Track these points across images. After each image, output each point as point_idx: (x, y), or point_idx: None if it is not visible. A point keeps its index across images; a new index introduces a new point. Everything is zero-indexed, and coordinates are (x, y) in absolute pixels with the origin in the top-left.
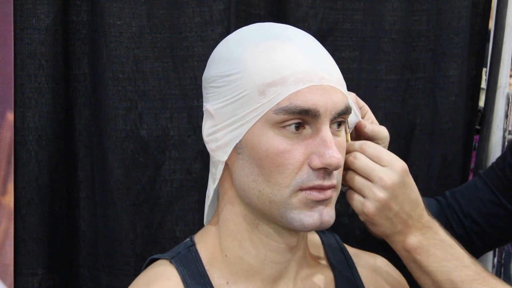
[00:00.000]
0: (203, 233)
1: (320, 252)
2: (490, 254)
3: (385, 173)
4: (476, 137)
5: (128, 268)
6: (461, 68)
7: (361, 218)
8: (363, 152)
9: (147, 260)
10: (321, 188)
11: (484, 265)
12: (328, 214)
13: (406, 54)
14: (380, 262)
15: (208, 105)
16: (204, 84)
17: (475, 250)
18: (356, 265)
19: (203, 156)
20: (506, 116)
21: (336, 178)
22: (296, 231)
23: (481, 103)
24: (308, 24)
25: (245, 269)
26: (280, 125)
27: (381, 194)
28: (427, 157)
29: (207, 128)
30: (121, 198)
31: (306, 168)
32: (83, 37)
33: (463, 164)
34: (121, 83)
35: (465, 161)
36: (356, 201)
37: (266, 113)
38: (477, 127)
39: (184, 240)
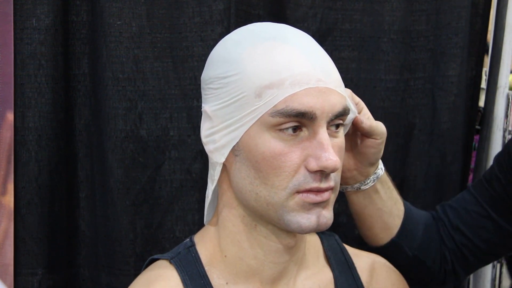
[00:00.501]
0: (203, 233)
1: (320, 253)
2: None
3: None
4: (476, 137)
5: (128, 268)
6: (460, 68)
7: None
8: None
9: (147, 260)
10: (318, 191)
11: None
12: (325, 217)
13: (405, 54)
14: (380, 262)
15: (206, 106)
16: (202, 85)
17: (468, 265)
18: (356, 265)
19: (203, 156)
20: (506, 116)
21: (334, 179)
22: (294, 232)
23: (481, 103)
24: (307, 24)
25: (244, 270)
26: (276, 127)
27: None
28: (426, 157)
29: (205, 129)
30: (121, 198)
31: (303, 171)
32: (83, 37)
33: (463, 164)
34: (121, 83)
35: (465, 161)
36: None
37: (262, 115)
38: (477, 127)
39: (183, 240)
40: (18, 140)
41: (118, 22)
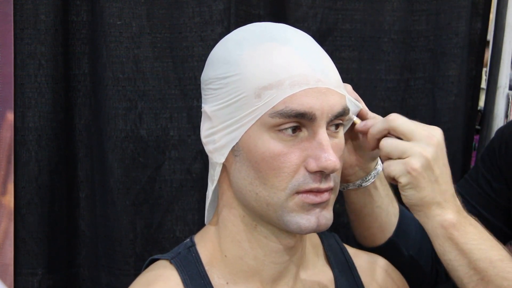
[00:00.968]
0: (203, 233)
1: (320, 253)
2: None
3: (429, 132)
4: (476, 137)
5: (128, 268)
6: (460, 68)
7: (404, 180)
8: (393, 122)
9: (147, 261)
10: (318, 191)
11: None
12: (325, 217)
13: (406, 54)
14: (380, 262)
15: (206, 107)
16: (202, 85)
17: None
18: (356, 265)
19: (203, 156)
20: (506, 116)
21: (334, 180)
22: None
23: (481, 103)
24: (307, 24)
25: (244, 270)
26: (276, 128)
27: (427, 149)
28: None
29: (205, 129)
30: (121, 198)
31: (302, 171)
32: (83, 37)
33: (463, 164)
34: (121, 83)
35: (465, 161)
36: (398, 163)
37: (262, 116)
38: (477, 127)
39: (183, 240)
40: (18, 140)
41: (118, 22)
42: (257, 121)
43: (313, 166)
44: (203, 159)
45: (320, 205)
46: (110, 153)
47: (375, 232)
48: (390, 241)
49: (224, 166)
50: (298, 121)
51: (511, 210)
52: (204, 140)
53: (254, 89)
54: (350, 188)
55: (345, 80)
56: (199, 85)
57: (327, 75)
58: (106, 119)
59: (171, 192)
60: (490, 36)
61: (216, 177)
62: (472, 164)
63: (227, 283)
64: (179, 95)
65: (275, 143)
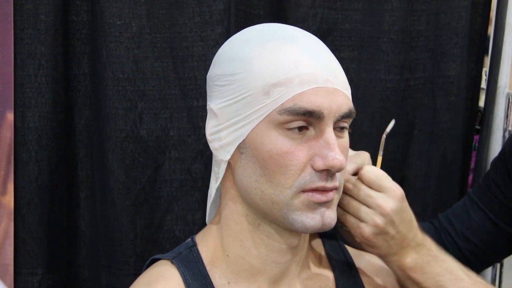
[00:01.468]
0: (205, 233)
1: (322, 253)
2: None
3: (383, 200)
4: (476, 137)
5: (128, 268)
6: (460, 68)
7: (357, 239)
8: (361, 177)
9: (148, 260)
10: (324, 190)
11: (479, 276)
12: (329, 216)
13: (405, 54)
14: (381, 262)
15: (212, 104)
16: (208, 83)
17: (471, 268)
18: (357, 265)
19: (203, 156)
20: (506, 116)
21: (339, 180)
22: (297, 232)
23: (481, 103)
24: (307, 24)
25: (246, 269)
26: (284, 126)
27: (378, 220)
28: (426, 157)
29: (211, 127)
30: (121, 198)
31: (309, 170)
32: (83, 37)
33: (463, 164)
34: (121, 83)
35: (465, 161)
36: (353, 223)
37: (270, 113)
38: (477, 127)
39: (184, 240)
40: (18, 140)
41: (118, 22)
42: (264, 118)
43: (319, 164)
44: (203, 159)
45: (325, 204)
46: (110, 153)
47: None
48: None
49: (229, 164)
50: (306, 120)
51: None
52: (209, 137)
53: (263, 86)
54: None
55: None
56: (199, 85)
57: (335, 76)
58: (106, 119)
59: (171, 192)
60: (490, 36)
61: (221, 175)
62: (472, 164)
63: (228, 283)
64: (179, 95)
65: (283, 141)
